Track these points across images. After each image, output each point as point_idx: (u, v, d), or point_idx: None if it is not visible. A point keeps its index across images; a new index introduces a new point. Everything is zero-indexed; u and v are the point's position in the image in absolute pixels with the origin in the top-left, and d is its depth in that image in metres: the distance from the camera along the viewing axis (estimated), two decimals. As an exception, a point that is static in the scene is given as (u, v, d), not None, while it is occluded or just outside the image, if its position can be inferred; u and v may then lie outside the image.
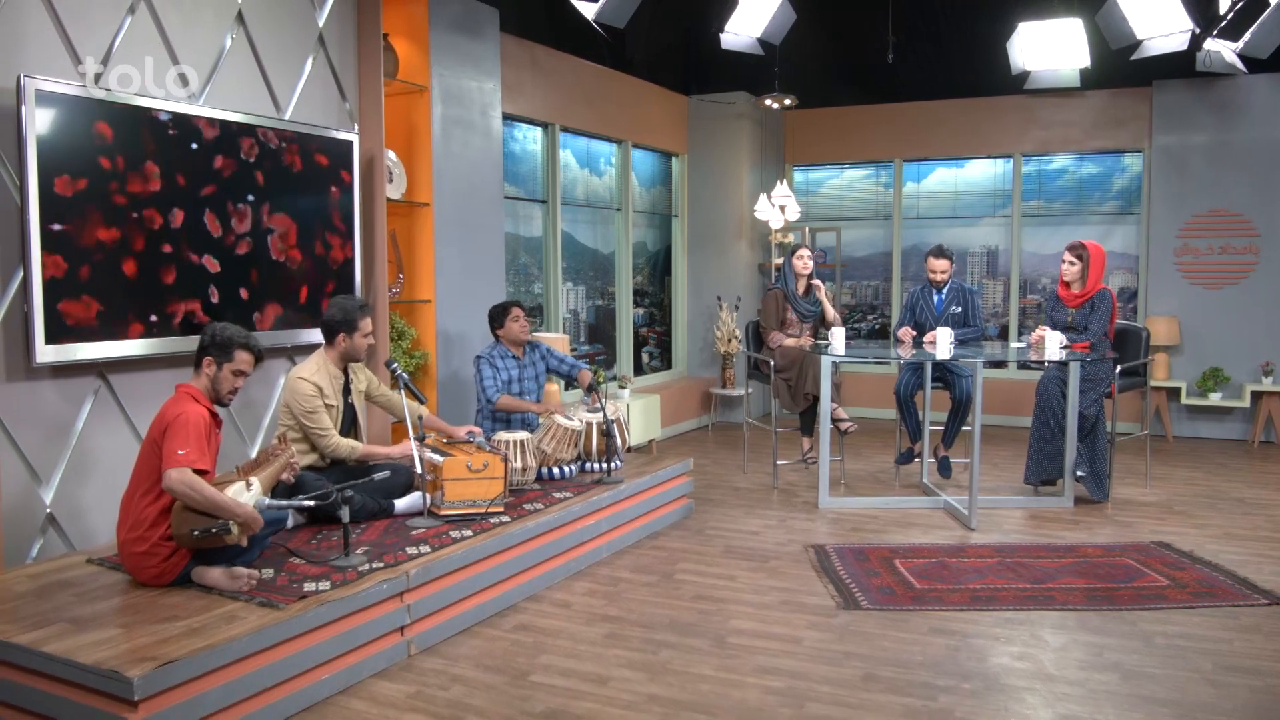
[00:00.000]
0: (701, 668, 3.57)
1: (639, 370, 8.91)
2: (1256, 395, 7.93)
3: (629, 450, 7.32)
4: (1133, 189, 8.71)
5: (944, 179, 9.46)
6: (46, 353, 3.76)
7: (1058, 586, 4.43)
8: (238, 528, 3.26)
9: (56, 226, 3.78)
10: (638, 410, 7.45)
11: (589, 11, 5.91)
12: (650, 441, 7.73)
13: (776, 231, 8.99)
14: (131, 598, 3.33)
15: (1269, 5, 6.42)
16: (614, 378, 8.05)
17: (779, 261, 9.10)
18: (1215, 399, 7.98)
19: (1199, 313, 8.15)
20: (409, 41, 5.60)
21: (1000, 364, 8.58)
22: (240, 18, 4.63)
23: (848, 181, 9.84)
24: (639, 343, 8.99)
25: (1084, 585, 4.45)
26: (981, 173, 9.30)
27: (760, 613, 4.14)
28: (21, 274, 3.73)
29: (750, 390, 7.68)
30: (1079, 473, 5.84)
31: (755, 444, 7.86)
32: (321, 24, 5.07)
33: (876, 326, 9.68)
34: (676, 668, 3.57)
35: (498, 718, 3.17)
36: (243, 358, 3.51)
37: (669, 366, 9.37)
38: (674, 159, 9.25)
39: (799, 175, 9.96)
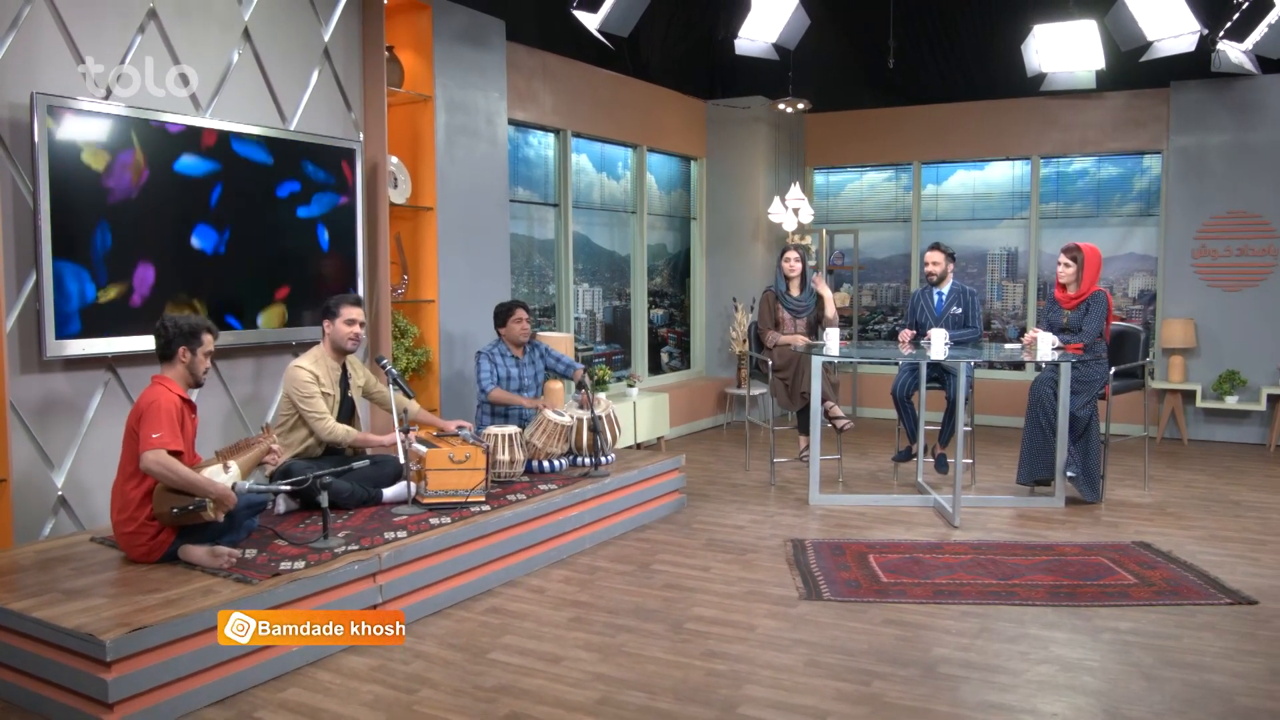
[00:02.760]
0: (653, 650, 3.74)
1: (658, 370, 9.10)
2: (1274, 399, 7.83)
3: (639, 447, 7.57)
4: (1153, 190, 8.65)
5: (964, 181, 9.48)
6: (56, 347, 4.09)
7: (1022, 583, 4.51)
8: (212, 505, 3.54)
9: (71, 230, 4.11)
10: (645, 408, 7.64)
11: (592, 22, 6.12)
12: (659, 439, 7.92)
13: (793, 234, 9.11)
14: (122, 572, 3.62)
15: (1275, 6, 6.40)
16: (624, 377, 8.24)
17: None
18: (1231, 402, 7.89)
19: (1216, 315, 8.08)
20: (414, 53, 5.87)
21: (1019, 365, 8.59)
22: (246, 34, 4.94)
23: (868, 184, 9.91)
24: (659, 343, 9.18)
25: (1050, 582, 4.53)
26: (1001, 175, 9.31)
27: (724, 601, 4.30)
28: (35, 276, 4.06)
29: (760, 391, 7.82)
30: (1070, 473, 5.88)
31: (765, 442, 7.99)
32: (327, 38, 5.36)
33: (897, 328, 9.72)
34: (630, 650, 3.75)
35: (448, 690, 3.39)
36: (208, 339, 3.82)
37: (688, 366, 9.54)
38: (693, 163, 9.42)
39: (820, 178, 10.06)
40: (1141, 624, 4.02)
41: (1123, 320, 8.50)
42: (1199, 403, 8.01)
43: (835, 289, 9.84)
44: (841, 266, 9.81)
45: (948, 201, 9.55)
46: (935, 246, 6.58)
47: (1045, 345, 5.87)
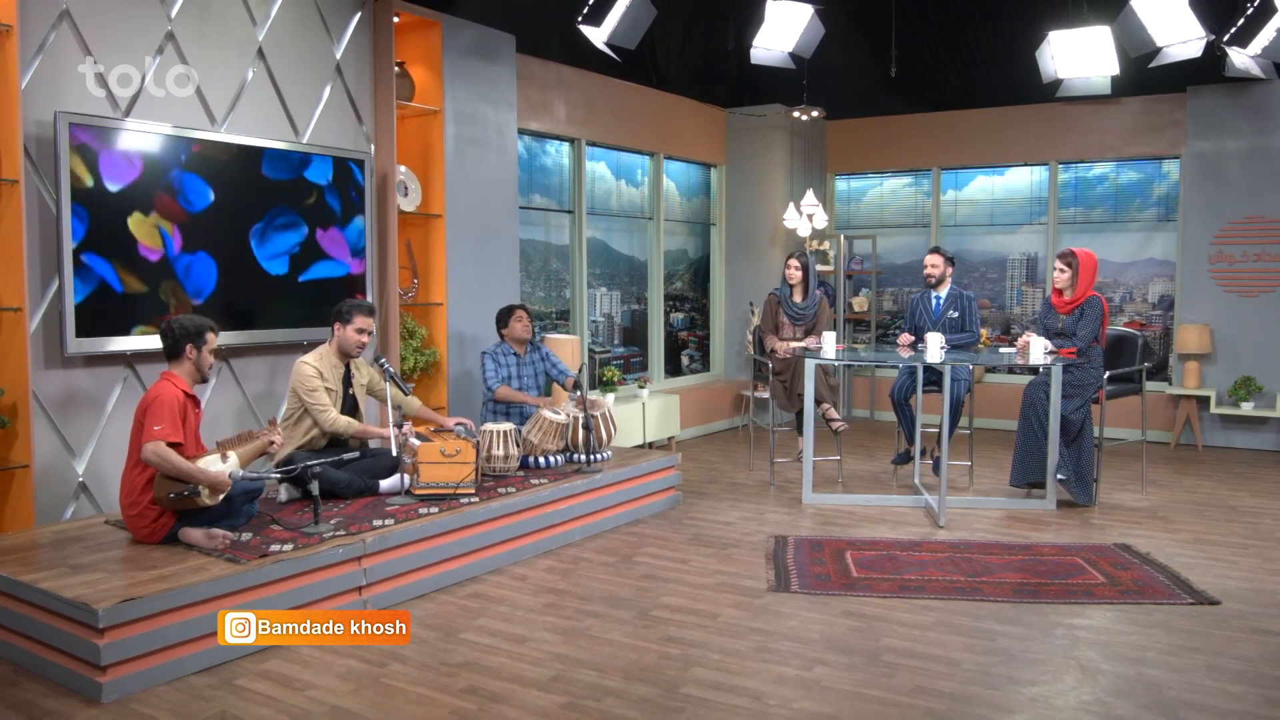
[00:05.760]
0: (614, 634, 3.96)
1: (679, 372, 9.31)
2: (1290, 405, 7.77)
3: (650, 446, 7.79)
4: (1172, 196, 8.62)
5: (983, 186, 9.53)
6: (76, 345, 4.46)
7: (989, 580, 4.63)
8: (206, 492, 3.85)
9: (92, 237, 4.49)
10: (655, 410, 7.86)
11: (598, 36, 6.35)
12: (670, 439, 8.13)
13: (811, 240, 9.26)
14: (126, 551, 3.95)
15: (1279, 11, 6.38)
16: (635, 379, 8.47)
17: (820, 268, 9.38)
18: (1247, 408, 7.84)
19: (1233, 321, 8.03)
20: (425, 68, 6.17)
21: (1035, 370, 8.60)
22: (261, 53, 5.28)
23: (889, 190, 10.01)
24: (680, 346, 9.39)
25: (1017, 580, 4.63)
26: (1021, 180, 9.34)
27: (694, 591, 4.50)
28: (58, 280, 4.43)
29: (764, 393, 7.96)
30: (1060, 476, 5.95)
31: (777, 443, 8.14)
32: (339, 55, 5.68)
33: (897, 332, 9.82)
34: (593, 633, 3.97)
35: (415, 665, 3.65)
36: (211, 337, 4.15)
37: (708, 369, 9.74)
38: (712, 170, 9.61)
39: (841, 184, 10.18)
40: (1097, 621, 4.12)
41: (1142, 326, 8.53)
42: (1214, 409, 7.97)
43: (854, 293, 9.97)
44: (861, 271, 9.91)
45: (967, 207, 9.60)
46: (935, 250, 6.71)
47: (1038, 349, 5.95)
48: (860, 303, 9.82)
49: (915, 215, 9.85)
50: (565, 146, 7.91)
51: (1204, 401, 8.10)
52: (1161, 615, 4.18)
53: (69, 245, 4.40)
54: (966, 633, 3.97)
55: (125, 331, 4.66)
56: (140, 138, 4.68)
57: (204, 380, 4.22)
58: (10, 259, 4.26)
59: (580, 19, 6.22)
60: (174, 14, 4.89)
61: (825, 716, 3.24)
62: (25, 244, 4.27)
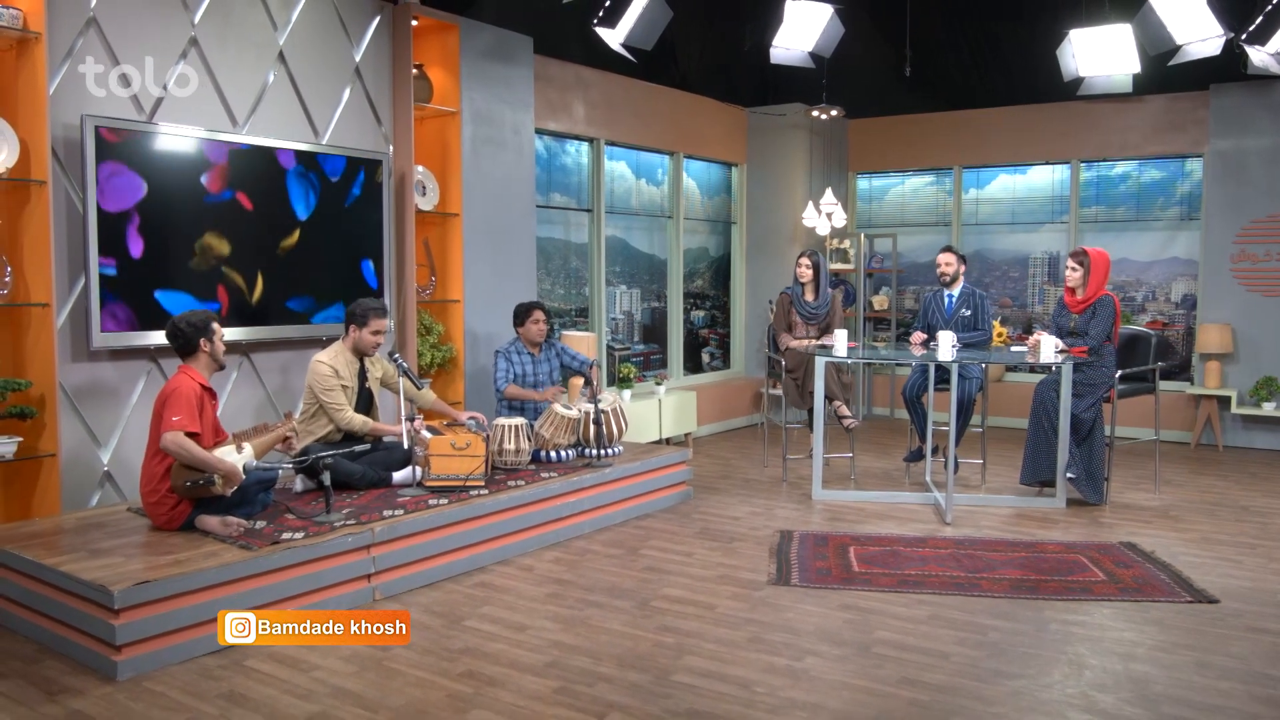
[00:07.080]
0: (612, 623, 4.06)
1: (699, 369, 9.40)
2: (1313, 406, 7.69)
3: (667, 442, 7.87)
4: (1195, 194, 8.55)
5: (1005, 185, 9.51)
6: (101, 339, 4.64)
7: (990, 576, 4.67)
8: (221, 480, 4.00)
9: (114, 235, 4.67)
10: (671, 406, 7.95)
11: (613, 38, 6.44)
12: (687, 435, 8.22)
13: (831, 239, 9.30)
14: (145, 537, 4.12)
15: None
16: (653, 375, 8.56)
17: (835, 266, 9.43)
18: (1269, 409, 7.77)
19: (1255, 320, 7.96)
20: (443, 70, 6.31)
21: (1047, 368, 8.58)
22: (281, 57, 5.44)
23: (911, 189, 10.01)
24: (700, 343, 9.48)
25: (1017, 576, 4.67)
26: (1043, 179, 9.30)
27: (695, 583, 4.58)
28: (84, 277, 4.62)
29: (778, 391, 8.04)
30: (1069, 474, 5.96)
31: (791, 440, 8.19)
32: (358, 59, 5.83)
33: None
34: (593, 623, 4.07)
35: (418, 650, 3.77)
36: (218, 329, 4.30)
37: (729, 366, 9.81)
38: (733, 169, 9.68)
39: (863, 183, 10.20)
40: (1093, 617, 4.15)
41: (1164, 325, 8.48)
42: (1235, 409, 7.91)
43: (875, 292, 9.99)
44: (881, 269, 9.93)
45: (989, 205, 9.58)
46: (948, 249, 6.75)
47: (1048, 347, 5.96)
48: (881, 301, 9.84)
49: (937, 214, 9.85)
50: (585, 146, 8.02)
51: (1225, 401, 8.04)
52: (1158, 613, 4.20)
53: (94, 243, 4.58)
54: (960, 627, 4.02)
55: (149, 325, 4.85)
56: (165, 139, 4.86)
57: (222, 367, 4.38)
58: (39, 256, 4.45)
59: (595, 21, 6.32)
60: (197, 19, 5.06)
61: (810, 705, 3.32)
62: (53, 242, 4.45)
